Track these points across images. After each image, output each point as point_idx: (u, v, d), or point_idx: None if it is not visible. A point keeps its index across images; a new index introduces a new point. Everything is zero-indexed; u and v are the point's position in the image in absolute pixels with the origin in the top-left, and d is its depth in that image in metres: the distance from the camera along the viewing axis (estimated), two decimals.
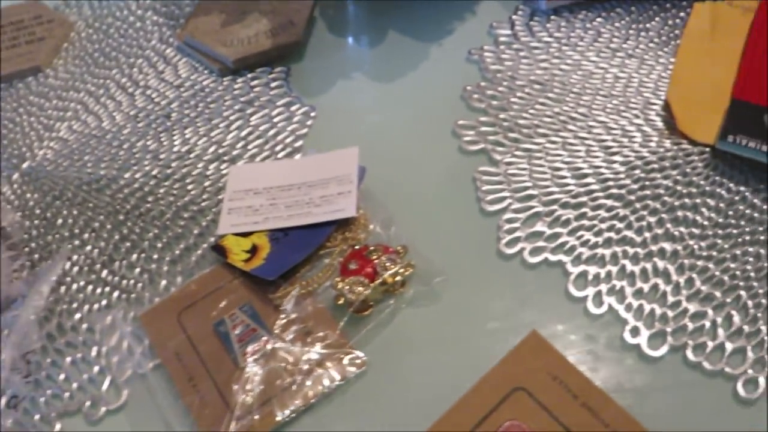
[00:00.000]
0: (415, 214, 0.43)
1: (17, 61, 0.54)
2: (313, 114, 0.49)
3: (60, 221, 0.45)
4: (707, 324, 0.36)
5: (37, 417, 0.36)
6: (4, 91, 0.53)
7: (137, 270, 0.42)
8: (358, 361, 0.36)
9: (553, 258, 0.40)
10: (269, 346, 0.37)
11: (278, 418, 0.34)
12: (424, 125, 0.48)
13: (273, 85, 0.51)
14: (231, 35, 0.52)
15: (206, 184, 0.46)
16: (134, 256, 0.43)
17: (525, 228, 0.41)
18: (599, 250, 0.40)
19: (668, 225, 0.40)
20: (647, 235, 0.40)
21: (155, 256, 0.42)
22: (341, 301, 0.38)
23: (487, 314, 0.38)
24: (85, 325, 0.40)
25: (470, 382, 0.35)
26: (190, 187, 0.46)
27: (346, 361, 0.36)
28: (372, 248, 0.39)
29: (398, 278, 0.39)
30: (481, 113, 0.48)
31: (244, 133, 0.48)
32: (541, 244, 0.40)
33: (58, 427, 0.36)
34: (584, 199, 0.42)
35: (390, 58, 0.53)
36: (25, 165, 0.48)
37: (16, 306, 0.40)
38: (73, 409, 0.37)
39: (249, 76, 0.52)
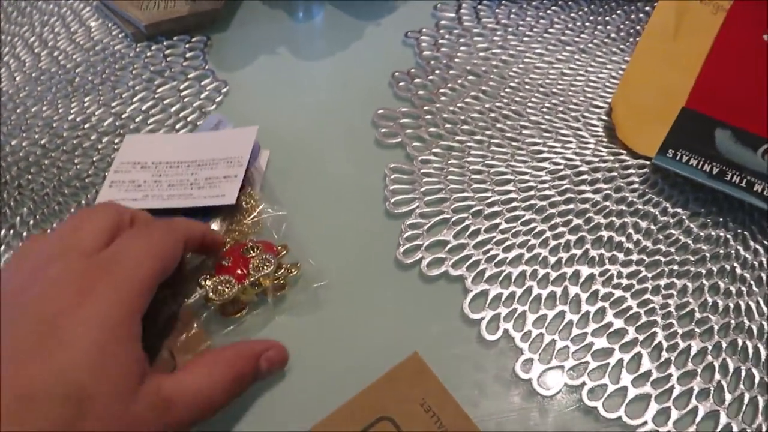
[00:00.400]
0: (316, 210, 0.39)
1: None
2: (224, 90, 0.44)
3: None
4: (612, 363, 0.32)
5: None
6: None
7: (2, 247, 0.38)
8: None
9: (453, 272, 0.35)
10: None
11: None
12: (345, 112, 0.43)
13: (188, 55, 0.46)
14: None
15: (95, 157, 0.41)
16: (2, 232, 0.39)
17: (429, 236, 0.37)
18: (505, 268, 0.35)
19: (588, 245, 0.36)
20: (563, 255, 0.35)
21: (24, 233, 0.39)
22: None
23: (370, 329, 0.34)
24: None
25: (336, 406, 0.31)
26: (77, 160, 0.41)
27: None
28: (251, 245, 0.35)
29: (275, 281, 0.34)
30: (407, 103, 0.43)
31: (146, 106, 0.44)
32: (442, 255, 0.36)
33: None
34: (500, 208, 0.37)
35: (322, 34, 0.48)
36: None
37: None
38: None
39: (165, 43, 0.47)
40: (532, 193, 0.38)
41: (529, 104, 0.42)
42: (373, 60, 0.46)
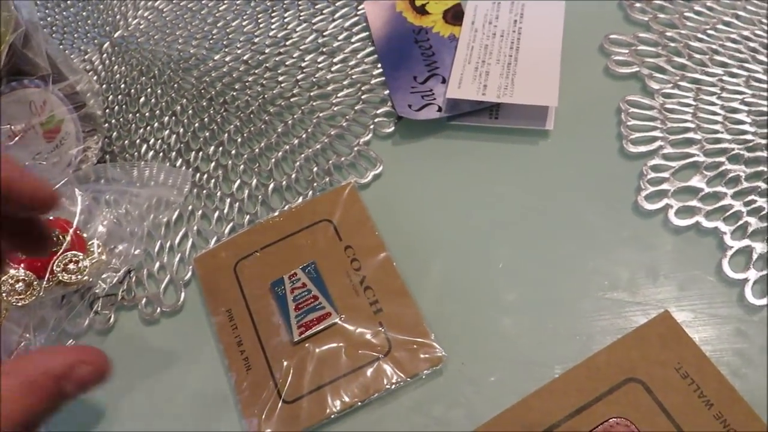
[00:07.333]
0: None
1: None
2: None
3: (142, 99, 0.41)
4: None
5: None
6: None
7: (212, 164, 0.38)
8: (437, 355, 0.29)
9: (707, 224, 0.31)
10: (330, 321, 0.31)
11: (328, 411, 0.29)
12: (567, 35, 0.39)
13: None
14: None
15: (299, 76, 0.40)
16: (211, 149, 0.38)
17: (676, 180, 0.32)
18: None
19: None
20: None
21: (233, 151, 0.38)
22: None
23: (610, 280, 0.31)
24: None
25: (575, 359, 0.29)
26: (281, 78, 0.40)
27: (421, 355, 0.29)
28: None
29: None
30: (642, 28, 0.38)
31: (348, 23, 0.41)
32: (694, 203, 0.32)
33: (112, 319, 0.34)
34: (764, 153, 0.32)
35: None
36: (117, 34, 0.45)
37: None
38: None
39: None
40: None
41: None
42: None
